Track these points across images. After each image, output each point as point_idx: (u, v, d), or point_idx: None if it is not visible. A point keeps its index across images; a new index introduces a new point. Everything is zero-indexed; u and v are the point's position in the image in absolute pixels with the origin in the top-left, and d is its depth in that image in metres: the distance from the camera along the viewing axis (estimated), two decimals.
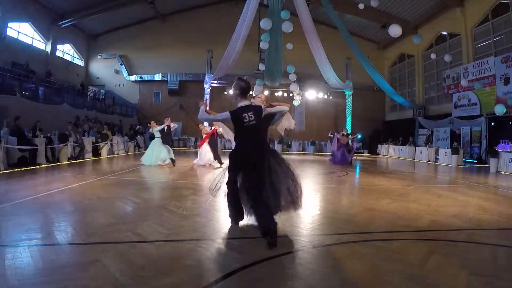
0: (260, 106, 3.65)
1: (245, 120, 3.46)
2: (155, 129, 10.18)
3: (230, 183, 3.58)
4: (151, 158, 10.09)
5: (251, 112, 3.48)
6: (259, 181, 3.39)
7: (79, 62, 23.65)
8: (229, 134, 7.88)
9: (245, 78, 3.70)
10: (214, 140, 10.45)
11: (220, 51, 19.07)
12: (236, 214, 3.73)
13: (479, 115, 15.80)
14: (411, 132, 20.42)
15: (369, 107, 24.38)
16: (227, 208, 3.77)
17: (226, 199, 3.74)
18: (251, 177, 3.44)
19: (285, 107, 3.94)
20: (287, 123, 4.95)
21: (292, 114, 24.32)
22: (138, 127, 20.46)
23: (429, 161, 15.68)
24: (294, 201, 3.58)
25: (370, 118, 24.18)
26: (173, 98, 23.83)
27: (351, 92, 22.41)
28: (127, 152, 15.48)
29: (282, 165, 3.65)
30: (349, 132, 15.18)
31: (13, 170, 7.86)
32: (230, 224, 3.79)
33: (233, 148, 3.94)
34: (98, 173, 8.18)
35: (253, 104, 3.68)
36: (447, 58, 15.08)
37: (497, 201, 5.97)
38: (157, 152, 10.12)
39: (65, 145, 10.30)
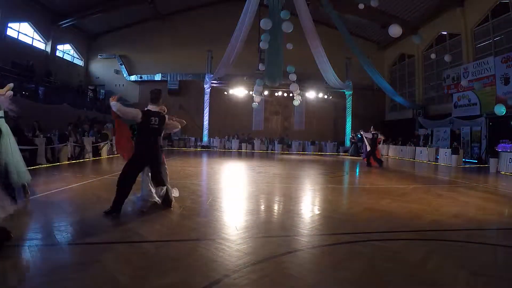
0: (165, 116, 4.37)
1: (151, 123, 4.16)
2: None
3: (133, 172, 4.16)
4: None
5: (157, 118, 4.20)
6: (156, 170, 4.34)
7: (79, 62, 23.66)
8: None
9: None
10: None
11: (220, 51, 19.08)
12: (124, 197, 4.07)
13: (479, 115, 15.79)
14: (412, 133, 20.42)
15: (369, 107, 24.38)
16: (118, 193, 4.04)
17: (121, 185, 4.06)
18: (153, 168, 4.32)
19: (179, 126, 4.80)
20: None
21: (292, 114, 24.39)
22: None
23: (429, 161, 15.68)
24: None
25: (370, 118, 24.16)
26: (173, 98, 23.80)
27: (351, 92, 22.42)
28: None
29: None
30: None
31: None
32: (112, 212, 3.95)
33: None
34: (98, 173, 8.17)
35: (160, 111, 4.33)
36: (447, 58, 15.09)
37: (497, 201, 5.97)
38: None
39: (65, 145, 10.30)
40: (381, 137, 12.34)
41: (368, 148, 12.34)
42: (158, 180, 4.40)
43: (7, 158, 4.08)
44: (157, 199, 4.52)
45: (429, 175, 10.50)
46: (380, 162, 11.97)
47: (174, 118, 4.82)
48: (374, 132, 11.89)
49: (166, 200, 4.53)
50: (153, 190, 4.53)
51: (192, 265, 2.61)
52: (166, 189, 4.49)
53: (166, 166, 4.87)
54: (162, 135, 4.59)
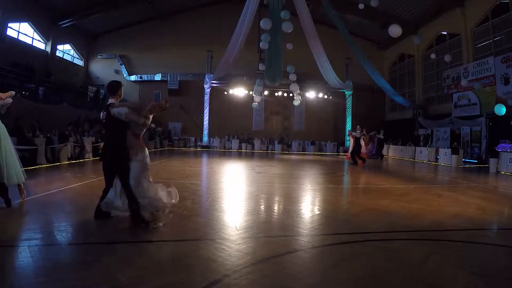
0: (109, 104, 3.77)
1: (101, 118, 3.99)
2: None
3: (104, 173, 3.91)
4: None
5: (105, 111, 3.86)
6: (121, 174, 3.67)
7: (79, 62, 23.64)
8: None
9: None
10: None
11: (220, 51, 19.08)
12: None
13: (479, 115, 15.79)
14: (412, 133, 20.40)
15: (369, 107, 24.35)
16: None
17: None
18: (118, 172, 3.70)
19: (124, 110, 3.63)
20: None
21: (292, 114, 24.39)
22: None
23: (429, 161, 15.68)
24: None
25: (370, 118, 24.15)
26: (173, 98, 23.79)
27: (351, 92, 22.42)
28: None
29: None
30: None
31: None
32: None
33: None
34: (98, 173, 8.16)
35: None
36: (447, 58, 15.10)
37: (497, 201, 5.97)
38: None
39: (65, 145, 10.30)
40: (365, 136, 13.26)
41: (354, 147, 12.71)
42: (126, 191, 3.62)
43: (4, 159, 4.10)
44: (116, 211, 3.77)
45: (429, 175, 10.50)
46: (355, 161, 12.48)
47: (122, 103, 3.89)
48: (360, 131, 12.67)
49: (137, 216, 3.59)
50: (117, 199, 3.71)
51: (192, 265, 2.61)
52: (139, 205, 3.60)
53: (150, 179, 3.81)
54: (131, 129, 3.70)
